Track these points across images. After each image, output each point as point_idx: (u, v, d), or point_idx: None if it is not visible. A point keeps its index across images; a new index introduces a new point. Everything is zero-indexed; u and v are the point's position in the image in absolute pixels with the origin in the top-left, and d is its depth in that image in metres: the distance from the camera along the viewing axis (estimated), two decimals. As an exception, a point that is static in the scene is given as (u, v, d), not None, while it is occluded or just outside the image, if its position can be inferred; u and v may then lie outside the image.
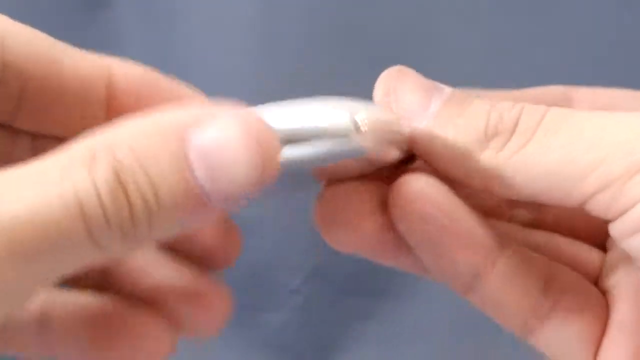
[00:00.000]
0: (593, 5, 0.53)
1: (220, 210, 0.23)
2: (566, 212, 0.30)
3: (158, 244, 0.29)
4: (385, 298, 0.57)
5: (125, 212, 0.22)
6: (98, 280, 0.29)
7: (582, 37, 0.53)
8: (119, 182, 0.22)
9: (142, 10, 0.55)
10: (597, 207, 0.26)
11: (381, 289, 0.57)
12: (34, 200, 0.21)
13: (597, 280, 0.31)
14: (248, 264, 0.54)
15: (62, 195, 0.21)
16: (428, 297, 0.56)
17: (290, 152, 0.25)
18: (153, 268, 0.29)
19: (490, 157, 0.27)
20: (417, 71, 0.29)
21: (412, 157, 0.29)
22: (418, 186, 0.27)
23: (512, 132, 0.27)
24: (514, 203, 0.32)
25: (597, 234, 0.30)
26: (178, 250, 0.29)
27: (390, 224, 0.28)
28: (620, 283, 0.30)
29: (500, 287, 0.29)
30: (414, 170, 0.29)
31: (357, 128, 0.26)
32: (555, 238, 0.31)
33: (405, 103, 0.28)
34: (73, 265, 0.23)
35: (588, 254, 0.31)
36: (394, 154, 0.28)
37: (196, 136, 0.22)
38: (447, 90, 0.28)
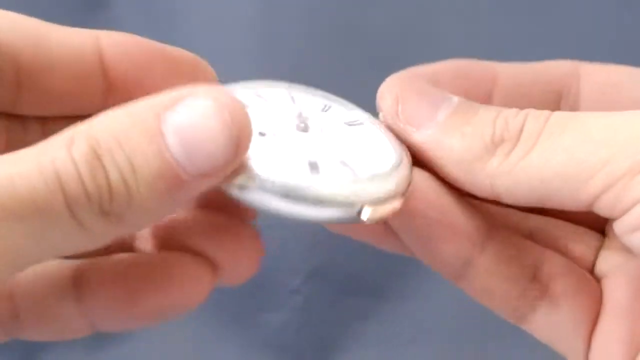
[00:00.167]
0: (593, 5, 0.53)
1: (196, 188, 0.23)
2: None
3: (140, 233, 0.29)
4: (385, 298, 0.57)
5: (103, 186, 0.22)
6: (127, 245, 0.29)
7: (582, 37, 0.53)
8: (96, 157, 0.22)
9: (142, 10, 0.55)
10: (603, 207, 0.26)
11: (381, 289, 0.57)
12: (11, 171, 0.22)
13: (592, 266, 0.31)
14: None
15: (40, 169, 0.22)
16: (428, 298, 0.56)
17: (286, 207, 0.26)
18: (185, 219, 0.29)
19: (497, 165, 0.27)
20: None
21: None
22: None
23: (518, 138, 0.27)
24: None
25: (597, 218, 0.30)
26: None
27: None
28: (616, 269, 0.30)
29: (488, 274, 0.29)
30: None
31: (362, 216, 0.26)
32: (552, 223, 0.31)
33: (413, 111, 0.28)
34: (60, 244, 0.23)
35: (584, 240, 0.31)
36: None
37: (171, 114, 0.23)
38: (455, 99, 0.28)
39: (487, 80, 0.30)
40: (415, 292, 0.56)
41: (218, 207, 0.29)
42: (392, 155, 0.28)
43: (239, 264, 0.28)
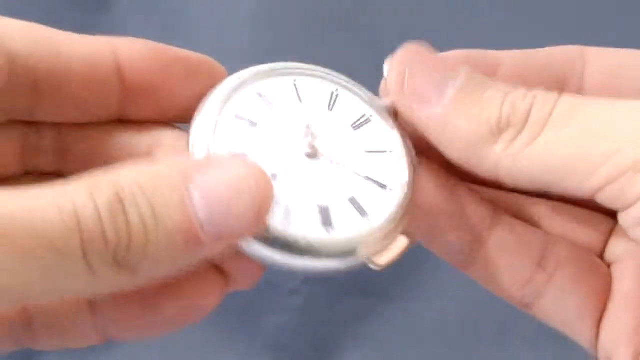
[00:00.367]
0: (593, 5, 0.53)
1: (211, 250, 0.24)
2: None
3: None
4: (385, 298, 0.57)
5: (123, 231, 0.22)
6: None
7: (582, 37, 0.53)
8: (120, 202, 0.22)
9: (143, 10, 0.55)
10: (606, 199, 0.26)
11: (381, 289, 0.56)
12: (29, 206, 0.21)
13: (603, 251, 0.31)
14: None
15: (59, 207, 0.21)
16: (428, 298, 0.56)
17: (291, 261, 0.26)
18: None
19: (501, 150, 0.27)
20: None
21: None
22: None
23: (524, 124, 0.27)
24: None
25: None
26: None
27: None
28: (625, 255, 0.30)
29: (495, 262, 0.29)
30: None
31: (374, 266, 0.27)
32: (559, 208, 0.31)
33: (419, 88, 0.28)
34: (68, 286, 0.22)
35: (593, 225, 0.31)
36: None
37: (198, 175, 0.23)
38: (463, 74, 0.28)
39: (490, 68, 0.30)
40: (415, 293, 0.56)
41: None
42: (401, 172, 0.28)
43: (246, 271, 0.28)
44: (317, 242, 0.26)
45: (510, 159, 0.27)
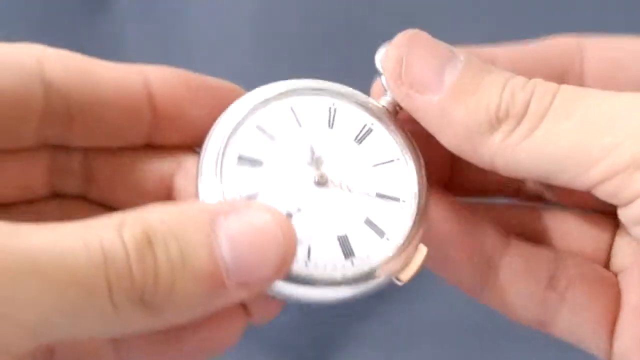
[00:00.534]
0: (593, 4, 0.53)
1: (234, 297, 0.23)
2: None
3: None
4: (386, 299, 0.57)
5: (150, 271, 0.22)
6: None
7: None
8: (148, 242, 0.22)
9: (142, 11, 0.55)
10: (604, 193, 0.26)
11: (381, 290, 0.56)
12: (56, 240, 0.21)
13: (608, 259, 0.31)
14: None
15: (86, 244, 0.21)
16: (428, 298, 0.56)
17: (314, 295, 0.27)
18: None
19: (500, 141, 0.27)
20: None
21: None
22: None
23: (523, 115, 0.26)
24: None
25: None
26: None
27: None
28: (630, 264, 0.30)
29: (505, 289, 0.30)
30: None
31: (399, 282, 0.28)
32: (564, 218, 0.31)
33: (417, 75, 0.28)
34: (89, 325, 0.22)
35: (597, 235, 0.31)
36: None
37: (226, 220, 0.23)
38: (461, 58, 0.28)
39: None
40: (415, 293, 0.56)
41: None
42: (411, 181, 0.28)
43: (266, 307, 0.28)
44: (341, 276, 0.26)
45: (508, 150, 0.27)
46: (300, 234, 0.26)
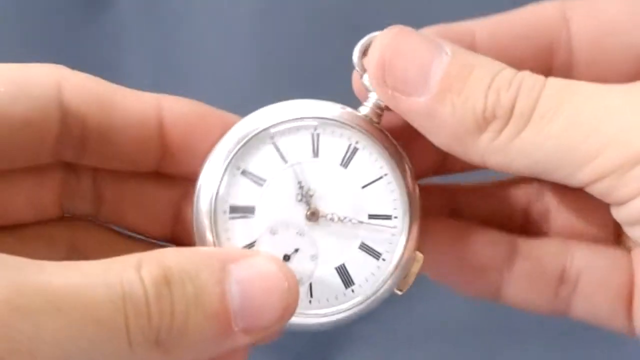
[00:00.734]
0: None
1: (238, 342, 0.24)
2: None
3: None
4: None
5: (166, 311, 0.22)
6: None
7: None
8: (166, 283, 0.23)
9: (143, 10, 0.55)
10: (597, 192, 0.26)
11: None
12: (77, 280, 0.22)
13: (619, 238, 0.31)
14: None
15: (106, 283, 0.22)
16: (428, 298, 0.56)
17: (318, 321, 0.28)
18: None
19: (488, 142, 0.27)
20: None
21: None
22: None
23: (509, 116, 0.26)
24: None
25: None
26: None
27: None
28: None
29: (518, 292, 0.30)
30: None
31: (399, 292, 0.29)
32: (571, 197, 0.31)
33: (401, 77, 0.27)
34: None
35: (603, 216, 0.30)
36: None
37: (235, 267, 0.24)
38: (448, 51, 0.27)
39: (465, 42, 0.30)
40: (415, 294, 0.56)
41: None
42: (401, 195, 0.28)
43: (270, 331, 0.28)
44: (343, 306, 0.28)
45: (496, 150, 0.27)
46: (300, 274, 0.27)
